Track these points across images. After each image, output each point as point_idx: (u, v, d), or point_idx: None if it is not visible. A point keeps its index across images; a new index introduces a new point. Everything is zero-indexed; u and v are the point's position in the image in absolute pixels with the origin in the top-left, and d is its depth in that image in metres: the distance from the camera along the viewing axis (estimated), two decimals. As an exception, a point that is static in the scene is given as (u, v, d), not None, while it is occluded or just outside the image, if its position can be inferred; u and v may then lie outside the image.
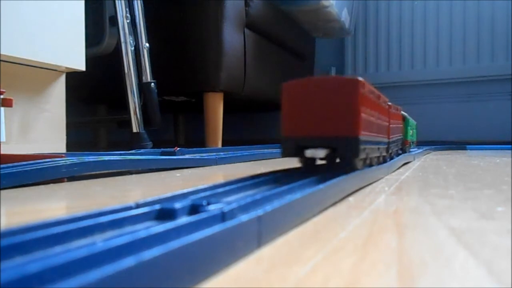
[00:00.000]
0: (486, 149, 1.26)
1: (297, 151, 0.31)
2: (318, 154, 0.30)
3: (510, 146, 1.25)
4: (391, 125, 0.48)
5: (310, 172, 0.30)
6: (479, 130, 1.65)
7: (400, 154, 0.60)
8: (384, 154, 0.44)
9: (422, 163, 0.67)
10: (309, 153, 0.31)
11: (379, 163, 0.42)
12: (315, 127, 0.30)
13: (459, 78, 1.71)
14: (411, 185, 0.38)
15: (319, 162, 0.32)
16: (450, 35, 1.72)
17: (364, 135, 0.31)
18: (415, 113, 1.82)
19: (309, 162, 0.32)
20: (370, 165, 0.38)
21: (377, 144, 0.38)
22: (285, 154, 0.32)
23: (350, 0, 1.57)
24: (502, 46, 1.63)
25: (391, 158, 0.51)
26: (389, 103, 0.47)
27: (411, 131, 0.72)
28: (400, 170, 0.54)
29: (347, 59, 1.91)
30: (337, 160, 0.32)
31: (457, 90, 1.74)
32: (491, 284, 0.13)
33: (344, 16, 1.51)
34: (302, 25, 1.52)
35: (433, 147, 1.16)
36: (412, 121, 0.74)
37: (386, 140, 0.44)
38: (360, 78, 0.30)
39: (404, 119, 0.64)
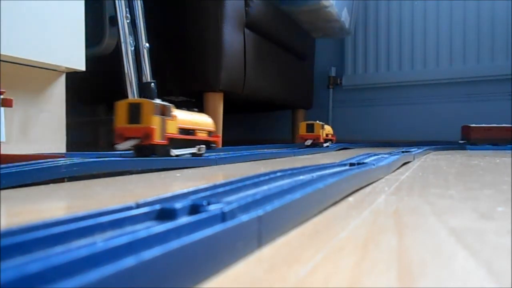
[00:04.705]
0: (486, 149, 1.26)
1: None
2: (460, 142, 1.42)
3: (510, 146, 1.25)
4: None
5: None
6: (479, 130, 1.65)
7: None
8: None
9: (422, 163, 0.67)
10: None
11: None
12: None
13: (459, 78, 1.71)
14: (411, 185, 0.38)
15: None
16: (450, 35, 1.72)
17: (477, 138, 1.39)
18: (415, 113, 1.83)
19: None
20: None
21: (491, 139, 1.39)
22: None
23: (350, 0, 1.57)
24: (502, 46, 1.63)
25: None
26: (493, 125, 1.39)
27: None
28: (400, 170, 0.54)
29: (347, 59, 1.91)
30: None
31: (457, 90, 1.74)
32: (491, 284, 0.13)
33: (344, 16, 1.51)
34: (302, 25, 1.51)
35: (433, 147, 1.16)
36: None
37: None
38: (473, 125, 1.39)
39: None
